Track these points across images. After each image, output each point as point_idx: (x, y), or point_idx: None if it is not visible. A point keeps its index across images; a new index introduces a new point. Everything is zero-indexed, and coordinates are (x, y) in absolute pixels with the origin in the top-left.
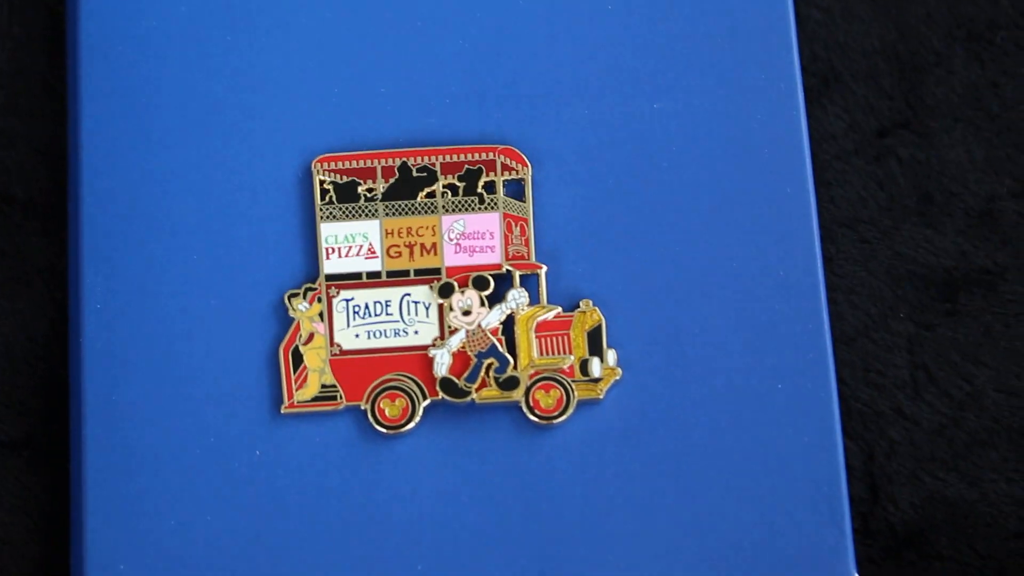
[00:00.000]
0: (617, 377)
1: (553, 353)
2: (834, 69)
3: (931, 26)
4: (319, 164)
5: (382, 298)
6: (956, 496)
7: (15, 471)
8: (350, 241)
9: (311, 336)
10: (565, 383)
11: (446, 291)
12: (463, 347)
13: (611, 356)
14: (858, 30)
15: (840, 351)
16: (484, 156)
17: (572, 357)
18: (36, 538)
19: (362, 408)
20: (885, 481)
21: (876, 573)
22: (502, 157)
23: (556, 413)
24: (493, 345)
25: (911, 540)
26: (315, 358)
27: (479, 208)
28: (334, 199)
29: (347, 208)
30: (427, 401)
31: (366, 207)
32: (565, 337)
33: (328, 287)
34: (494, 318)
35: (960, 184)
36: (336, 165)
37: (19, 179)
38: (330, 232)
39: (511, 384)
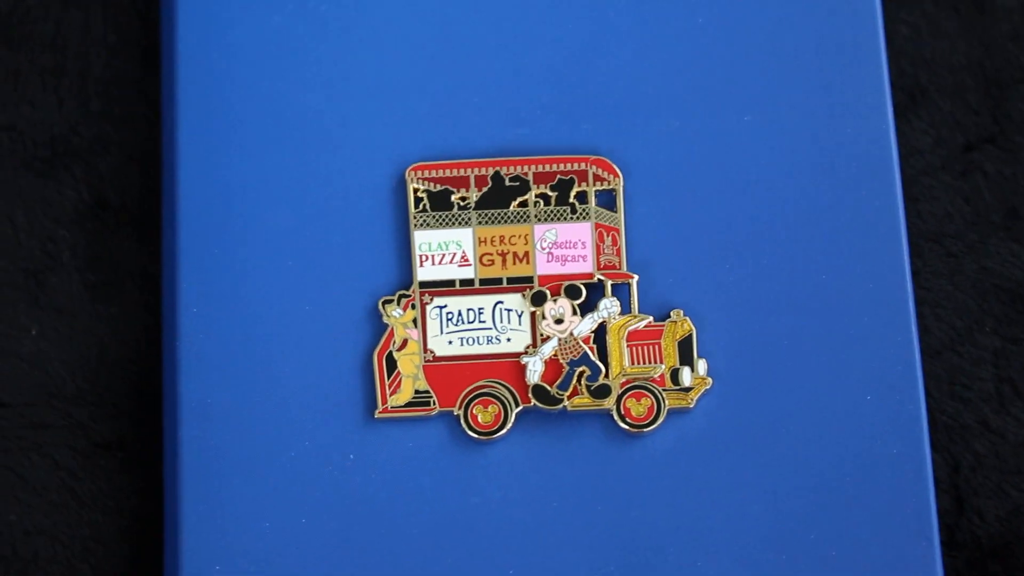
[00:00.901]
0: (707, 386)
1: (644, 362)
2: (921, 85)
3: (1017, 42)
4: (413, 172)
5: (475, 305)
6: None
7: (108, 472)
8: (443, 249)
9: (405, 342)
10: (656, 392)
11: (539, 299)
12: (555, 355)
13: (701, 365)
14: (945, 46)
15: (926, 364)
16: (576, 166)
17: (663, 366)
18: (128, 538)
19: (455, 414)
20: (970, 494)
21: None
22: (594, 167)
23: (647, 421)
24: (585, 353)
25: (996, 552)
26: (409, 364)
27: (571, 218)
28: (428, 207)
29: (440, 216)
30: (519, 408)
31: (459, 215)
32: (656, 346)
33: (422, 294)
34: (586, 327)
35: None
36: (430, 174)
37: (113, 185)
38: (424, 240)
39: (603, 392)
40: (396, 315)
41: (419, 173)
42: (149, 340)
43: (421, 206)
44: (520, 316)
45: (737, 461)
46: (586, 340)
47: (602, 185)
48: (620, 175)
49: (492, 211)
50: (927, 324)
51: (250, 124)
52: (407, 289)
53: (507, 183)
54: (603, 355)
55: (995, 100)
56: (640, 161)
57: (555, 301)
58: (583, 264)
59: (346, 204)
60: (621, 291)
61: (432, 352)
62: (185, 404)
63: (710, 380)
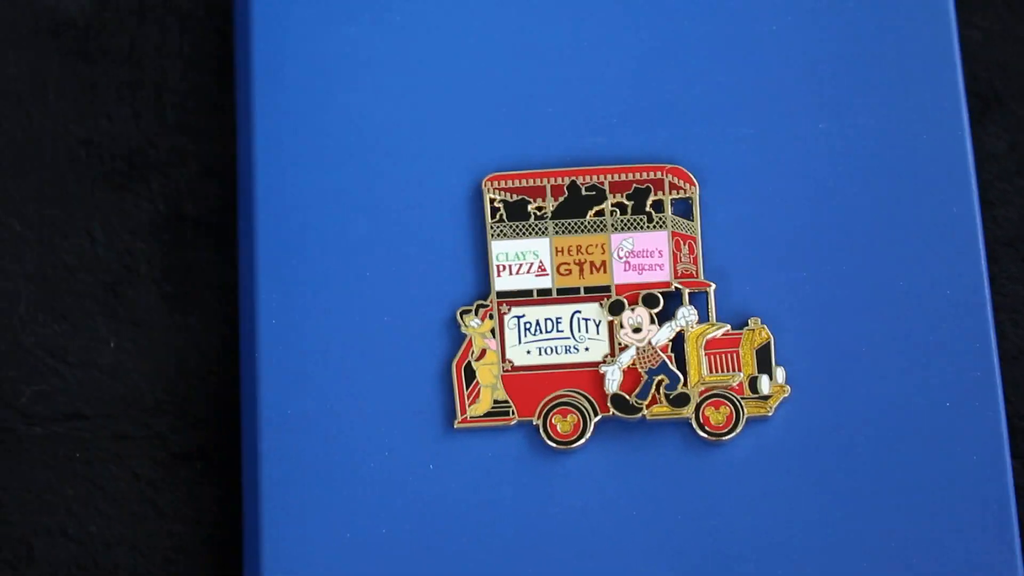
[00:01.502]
0: (786, 394)
1: (723, 370)
2: (995, 90)
3: None
4: (489, 183)
5: (553, 315)
6: None
7: (188, 482)
8: (520, 259)
9: (483, 352)
10: (735, 400)
11: (616, 308)
12: (634, 364)
13: (780, 373)
14: (1018, 51)
15: (1004, 370)
16: (652, 175)
17: (741, 374)
18: (209, 548)
19: (534, 423)
20: None
21: None
22: (670, 176)
23: (726, 430)
24: (664, 362)
25: None
26: (487, 374)
27: (648, 227)
28: (504, 217)
29: (517, 226)
30: (598, 417)
31: (536, 225)
32: (734, 354)
33: (500, 304)
34: (664, 335)
35: None
36: (506, 183)
37: (190, 196)
38: (501, 250)
39: (682, 401)
40: (474, 325)
41: (495, 183)
42: (227, 350)
43: (498, 216)
44: (598, 325)
45: (816, 469)
46: (664, 349)
47: (678, 194)
48: (696, 183)
49: (569, 220)
50: (1004, 330)
51: (326, 135)
52: (485, 299)
53: (583, 192)
54: (681, 364)
55: None
56: (716, 169)
57: (633, 310)
58: (660, 273)
59: (423, 214)
60: (698, 299)
61: (511, 362)
62: (265, 414)
63: (788, 388)
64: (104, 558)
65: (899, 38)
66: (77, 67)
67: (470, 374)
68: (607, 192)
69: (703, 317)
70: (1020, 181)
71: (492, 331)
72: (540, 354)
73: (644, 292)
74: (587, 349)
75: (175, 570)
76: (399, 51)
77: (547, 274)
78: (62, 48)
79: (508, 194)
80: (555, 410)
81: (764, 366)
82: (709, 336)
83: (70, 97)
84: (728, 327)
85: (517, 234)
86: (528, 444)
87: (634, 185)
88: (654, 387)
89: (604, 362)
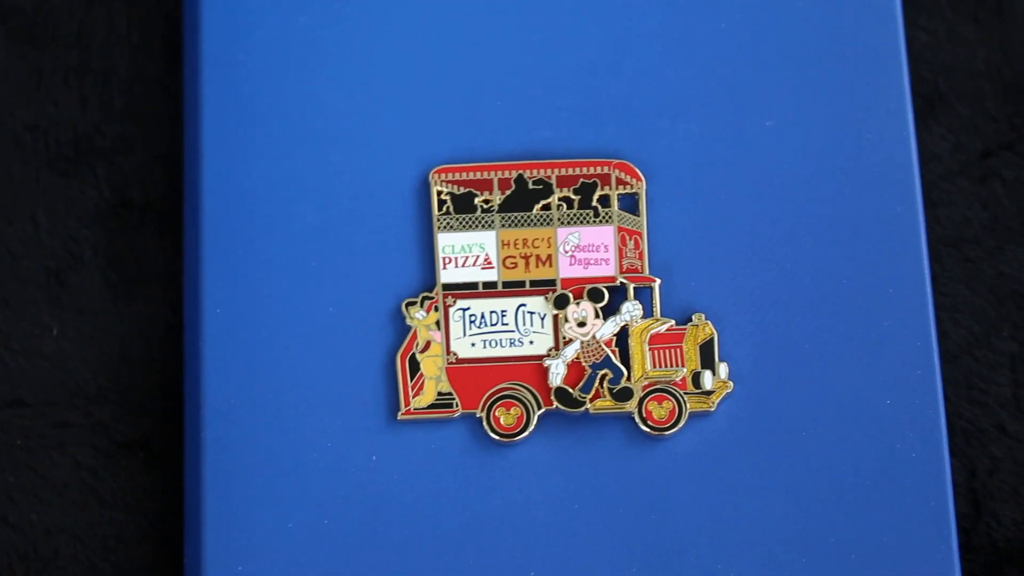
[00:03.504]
0: (728, 390)
1: (666, 365)
2: (940, 91)
3: None
4: (436, 175)
5: (498, 308)
6: None
7: (131, 471)
8: (467, 251)
9: (428, 344)
10: (678, 395)
11: (561, 302)
12: (578, 358)
13: (723, 369)
14: (963, 52)
15: (944, 369)
16: (599, 170)
17: (685, 369)
18: (150, 537)
19: (477, 416)
20: (987, 497)
21: None
22: (617, 171)
23: (668, 424)
24: (607, 356)
25: (1013, 556)
26: (432, 366)
27: (594, 221)
28: (451, 209)
29: (464, 219)
30: (542, 410)
31: (482, 218)
32: (678, 350)
33: (445, 296)
34: (608, 330)
35: None
36: (453, 176)
37: (136, 183)
38: (447, 242)
39: (625, 395)
40: (419, 317)
41: (443, 176)
42: (171, 339)
43: (445, 208)
44: (543, 319)
45: (758, 464)
46: (608, 343)
47: (625, 189)
48: (643, 179)
49: (515, 214)
50: (945, 329)
51: (274, 124)
52: (430, 291)
53: (530, 186)
54: (625, 358)
55: (1013, 106)
56: (663, 165)
57: (578, 304)
58: (605, 267)
59: (370, 206)
60: (643, 295)
61: (455, 354)
62: (208, 404)
63: (731, 384)
64: (44, 546)
65: (846, 38)
66: (24, 52)
67: (414, 366)
68: (554, 186)
69: (647, 312)
70: (963, 182)
71: (437, 323)
72: (484, 347)
73: (589, 286)
74: (531, 342)
75: (116, 559)
76: (349, 41)
77: (493, 267)
78: (9, 33)
79: (455, 187)
80: (499, 403)
81: (707, 362)
82: (653, 331)
83: (16, 82)
84: (672, 322)
85: (463, 227)
86: (471, 436)
87: (581, 180)
88: (597, 381)
89: (548, 355)
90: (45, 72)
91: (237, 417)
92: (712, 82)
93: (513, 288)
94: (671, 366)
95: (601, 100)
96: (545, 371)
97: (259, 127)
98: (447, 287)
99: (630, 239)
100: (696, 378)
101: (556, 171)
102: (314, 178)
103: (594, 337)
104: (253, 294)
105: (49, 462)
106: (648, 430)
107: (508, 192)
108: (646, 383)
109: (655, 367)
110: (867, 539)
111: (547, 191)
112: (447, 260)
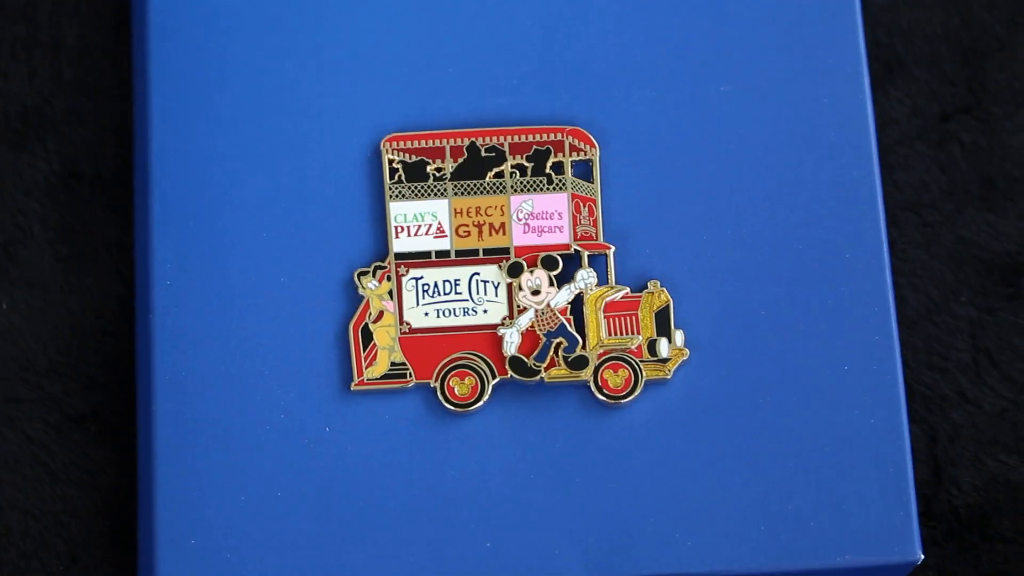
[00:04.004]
0: (684, 357)
1: (621, 333)
2: (897, 55)
3: (993, 12)
4: (388, 143)
5: (451, 277)
6: (1019, 479)
7: (82, 445)
8: (419, 220)
9: (381, 314)
10: (633, 363)
11: (515, 271)
12: (532, 326)
13: (679, 336)
14: (921, 16)
15: (903, 334)
16: (552, 137)
17: (640, 337)
18: (103, 512)
19: (431, 386)
20: (948, 464)
21: (939, 555)
22: (570, 138)
23: (624, 393)
24: (562, 325)
25: (974, 522)
26: (385, 336)
27: (547, 188)
28: (403, 178)
29: (416, 187)
30: (496, 380)
31: (435, 186)
32: (633, 317)
33: (397, 266)
34: (563, 298)
35: (1022, 169)
36: (405, 144)
37: (87, 156)
38: (399, 211)
39: (580, 363)
40: (372, 287)
41: (394, 144)
42: (123, 312)
43: (396, 177)
44: (496, 288)
45: (714, 432)
46: (563, 311)
47: (578, 156)
48: (596, 145)
49: (468, 182)
50: (903, 294)
51: (224, 94)
52: (383, 261)
53: (483, 154)
54: (580, 326)
55: (971, 70)
56: (617, 131)
57: (532, 272)
58: (560, 235)
59: (321, 175)
60: (598, 262)
61: (408, 324)
62: (159, 377)
63: (687, 351)
64: None
65: (802, 2)
66: None
67: (367, 336)
68: (507, 154)
69: (602, 280)
70: (921, 146)
71: (390, 293)
72: (438, 316)
73: (543, 254)
74: (485, 311)
75: (68, 534)
76: (299, 9)
77: (446, 236)
78: None
79: (407, 155)
80: (453, 372)
81: (663, 329)
82: (608, 299)
83: None
84: (627, 290)
85: (416, 195)
86: (425, 406)
87: (534, 147)
88: (552, 350)
89: (502, 324)
90: None
91: (188, 390)
92: (667, 48)
93: (466, 257)
94: (627, 334)
95: (554, 66)
96: (499, 340)
97: (208, 97)
98: (399, 256)
99: (584, 206)
100: (652, 346)
101: (509, 138)
102: (264, 148)
103: (548, 305)
104: (203, 266)
105: None
106: (604, 398)
107: (460, 160)
108: (601, 351)
109: (610, 335)
110: (826, 507)
111: (500, 158)
112: (399, 229)
